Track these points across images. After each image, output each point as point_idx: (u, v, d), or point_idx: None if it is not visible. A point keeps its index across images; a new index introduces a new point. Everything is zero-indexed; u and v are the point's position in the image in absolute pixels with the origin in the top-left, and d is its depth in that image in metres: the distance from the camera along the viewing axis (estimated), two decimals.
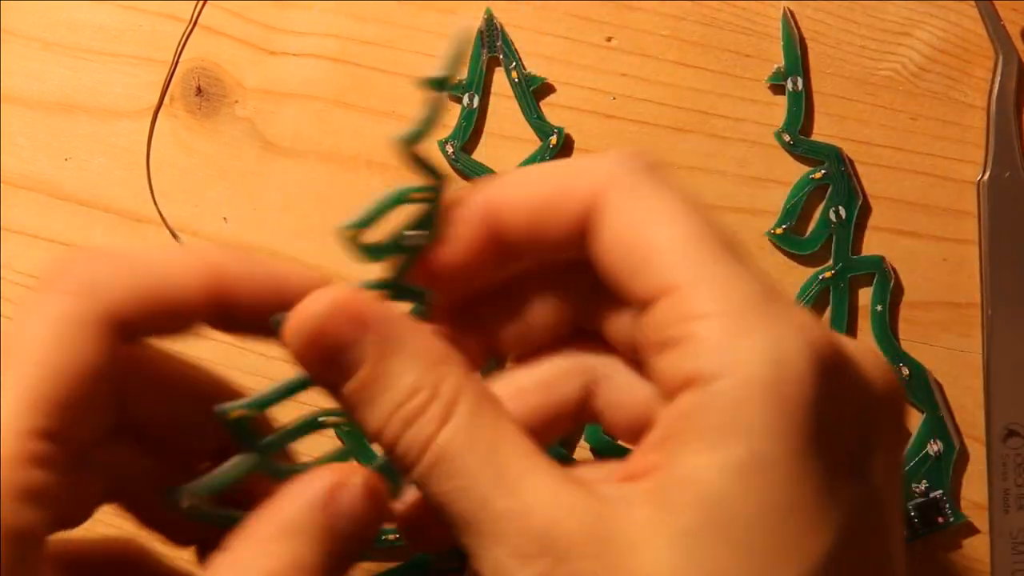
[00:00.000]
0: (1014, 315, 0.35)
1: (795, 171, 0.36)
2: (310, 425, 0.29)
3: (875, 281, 0.36)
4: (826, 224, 0.36)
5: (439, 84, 0.26)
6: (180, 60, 0.36)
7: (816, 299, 0.36)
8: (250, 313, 0.26)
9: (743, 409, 0.20)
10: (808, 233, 0.36)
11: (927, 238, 0.36)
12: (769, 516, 0.20)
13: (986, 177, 0.36)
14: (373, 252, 0.28)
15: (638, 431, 0.24)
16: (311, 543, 0.25)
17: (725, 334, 0.21)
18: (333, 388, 0.23)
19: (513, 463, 0.22)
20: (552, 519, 0.21)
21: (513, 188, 0.25)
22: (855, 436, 0.22)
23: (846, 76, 0.37)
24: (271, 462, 0.28)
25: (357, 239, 0.28)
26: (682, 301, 0.22)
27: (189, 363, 0.29)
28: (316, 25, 0.36)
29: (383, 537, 0.35)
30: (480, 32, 0.36)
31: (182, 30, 0.36)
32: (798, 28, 0.37)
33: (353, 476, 0.26)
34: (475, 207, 0.25)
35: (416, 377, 0.23)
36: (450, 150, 0.36)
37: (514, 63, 0.36)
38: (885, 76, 0.37)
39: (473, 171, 0.36)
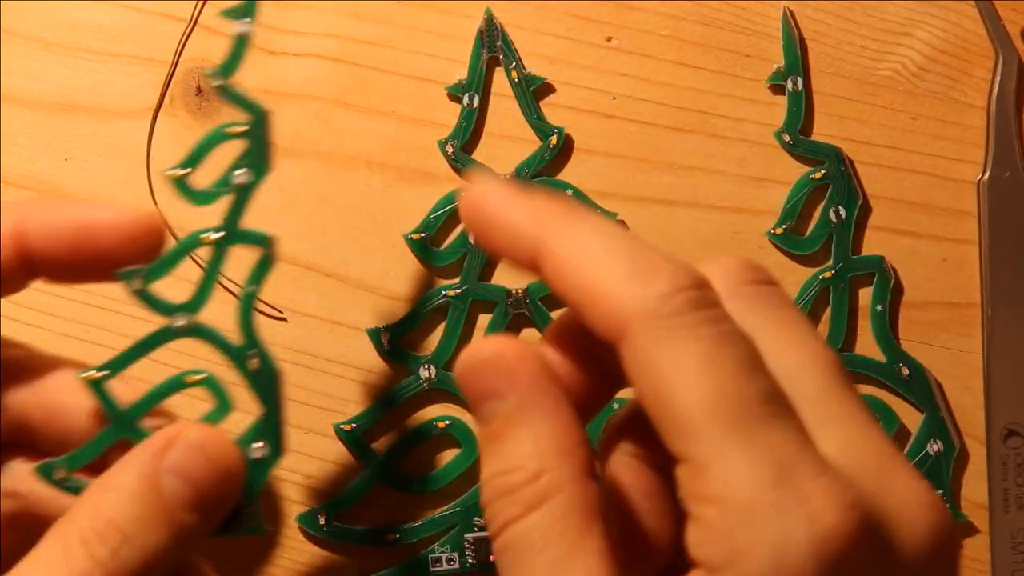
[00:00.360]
0: (1014, 315, 0.35)
1: (795, 171, 0.36)
2: (174, 386, 0.29)
3: (875, 281, 0.36)
4: (826, 224, 0.36)
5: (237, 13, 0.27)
6: (180, 60, 0.36)
7: (816, 299, 0.36)
8: (65, 257, 0.27)
9: None
10: (808, 233, 0.36)
11: (927, 238, 0.36)
12: None
13: (986, 177, 0.36)
14: (203, 196, 0.28)
15: None
16: (138, 501, 0.25)
17: (729, 525, 0.20)
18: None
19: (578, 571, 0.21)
20: None
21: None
22: None
23: (846, 76, 0.37)
24: (137, 428, 0.29)
25: (184, 182, 0.28)
26: (694, 477, 0.21)
27: (55, 356, 0.30)
28: (316, 25, 0.36)
29: (382, 538, 0.35)
30: (480, 32, 0.36)
31: (182, 30, 0.36)
32: (798, 28, 0.37)
33: (187, 433, 0.26)
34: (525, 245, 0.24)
35: (526, 454, 0.22)
36: (450, 150, 0.36)
37: (514, 63, 0.36)
38: (885, 76, 0.37)
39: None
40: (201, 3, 0.36)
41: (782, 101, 0.37)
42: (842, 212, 0.36)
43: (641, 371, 0.21)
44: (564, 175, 0.36)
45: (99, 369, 0.28)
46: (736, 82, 0.37)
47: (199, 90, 0.36)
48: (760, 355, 0.22)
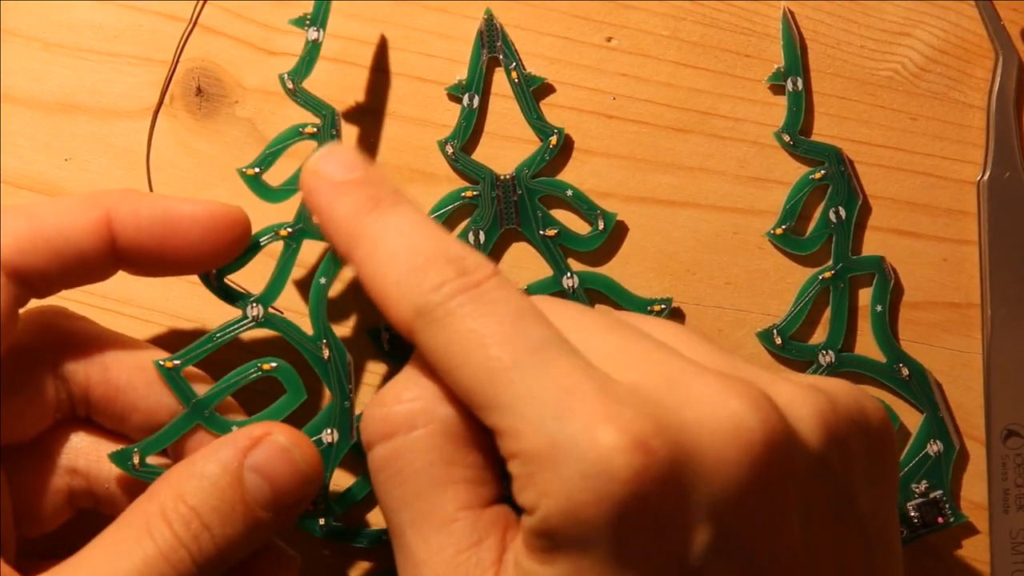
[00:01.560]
0: (1014, 315, 0.36)
1: (795, 171, 0.36)
2: (248, 373, 0.29)
3: (875, 281, 0.36)
4: (826, 224, 0.36)
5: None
6: (180, 60, 0.36)
7: (816, 299, 0.36)
8: (149, 249, 0.28)
9: (555, 533, 0.21)
10: (808, 233, 0.36)
11: (927, 238, 0.36)
12: None
13: (986, 177, 0.36)
14: (277, 194, 0.29)
15: None
16: (220, 493, 0.26)
17: (529, 473, 0.22)
18: None
19: (548, 353, 0.23)
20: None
21: None
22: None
23: (846, 76, 0.37)
24: (213, 415, 0.29)
25: (258, 179, 0.29)
26: (499, 439, 0.23)
27: (124, 336, 0.30)
28: None
29: (382, 538, 0.35)
30: (480, 32, 0.36)
31: (182, 30, 0.36)
32: (798, 28, 0.37)
33: (275, 434, 0.27)
34: None
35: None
36: (450, 150, 0.36)
37: (514, 63, 0.36)
38: (885, 76, 0.37)
39: (473, 171, 0.36)
40: (201, 3, 0.36)
41: (782, 101, 0.37)
42: (842, 212, 0.36)
43: (431, 360, 0.24)
44: (564, 175, 0.36)
45: (174, 357, 0.28)
46: (736, 82, 0.37)
47: (199, 90, 0.36)
48: (537, 309, 0.24)
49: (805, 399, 0.24)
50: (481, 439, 0.24)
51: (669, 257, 0.36)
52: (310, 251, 0.33)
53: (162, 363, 0.29)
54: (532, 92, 0.36)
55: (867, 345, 0.36)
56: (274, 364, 0.29)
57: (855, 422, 0.25)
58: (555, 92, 0.37)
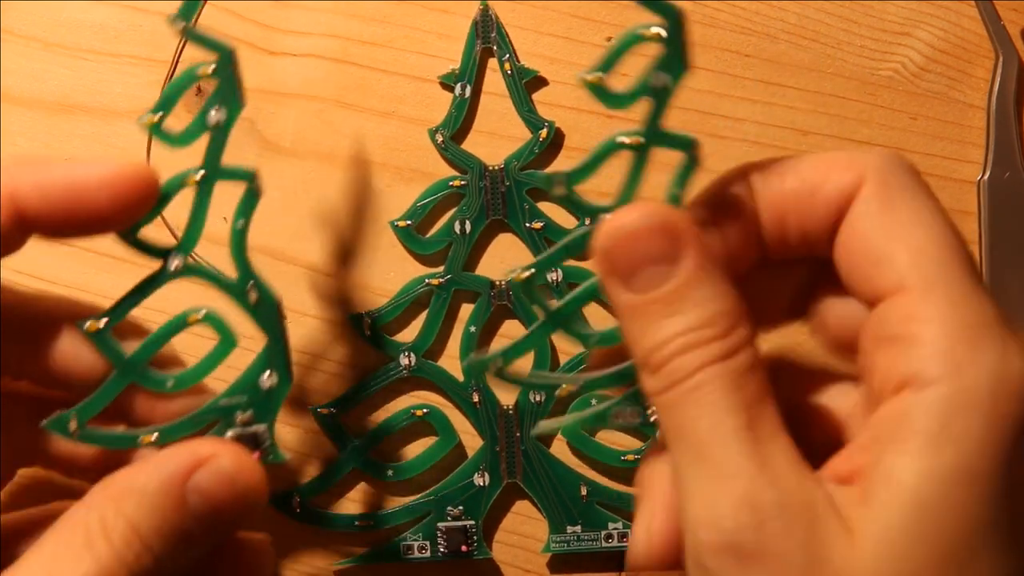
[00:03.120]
0: (1014, 315, 0.35)
1: None
2: (176, 326, 0.29)
3: (681, 163, 0.35)
4: (646, 88, 0.34)
5: None
6: (180, 60, 0.36)
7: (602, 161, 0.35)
8: (59, 215, 0.27)
9: (958, 418, 0.21)
10: (629, 91, 0.35)
11: None
12: (969, 529, 0.20)
13: (986, 177, 0.36)
14: (180, 138, 0.28)
15: (844, 347, 0.25)
16: (160, 513, 0.26)
17: (950, 341, 0.21)
18: (615, 295, 0.24)
19: (761, 424, 0.22)
20: (773, 487, 0.21)
21: (773, 175, 0.25)
22: None
23: (846, 76, 0.37)
24: (146, 372, 0.28)
25: (159, 127, 0.28)
26: (912, 302, 0.22)
27: (46, 294, 0.30)
28: (316, 25, 0.36)
29: (355, 523, 0.36)
30: (475, 23, 0.36)
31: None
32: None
33: (220, 457, 0.27)
34: (743, 190, 0.25)
35: (714, 312, 0.23)
36: (440, 138, 0.36)
37: (507, 55, 0.36)
38: (885, 76, 0.37)
39: (462, 161, 0.36)
40: (201, 3, 0.36)
41: (781, 100, 0.36)
42: (667, 79, 0.33)
43: (869, 224, 0.23)
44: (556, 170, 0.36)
45: (98, 318, 0.28)
46: (736, 82, 0.37)
47: (199, 90, 0.36)
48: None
49: None
50: None
51: None
52: (225, 195, 0.32)
53: (86, 326, 0.28)
54: (525, 85, 0.36)
55: None
56: (202, 313, 0.29)
57: None
58: (555, 91, 0.37)
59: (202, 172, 0.28)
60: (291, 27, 0.36)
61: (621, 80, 0.26)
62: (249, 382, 0.29)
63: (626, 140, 0.26)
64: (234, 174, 0.28)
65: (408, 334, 0.36)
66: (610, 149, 0.26)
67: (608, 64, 0.26)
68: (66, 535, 0.26)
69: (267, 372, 0.29)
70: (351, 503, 0.36)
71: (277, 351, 0.29)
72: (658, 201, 0.25)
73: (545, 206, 0.36)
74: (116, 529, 0.25)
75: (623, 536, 0.35)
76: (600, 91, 0.26)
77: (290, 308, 0.36)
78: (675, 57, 0.26)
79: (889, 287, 0.22)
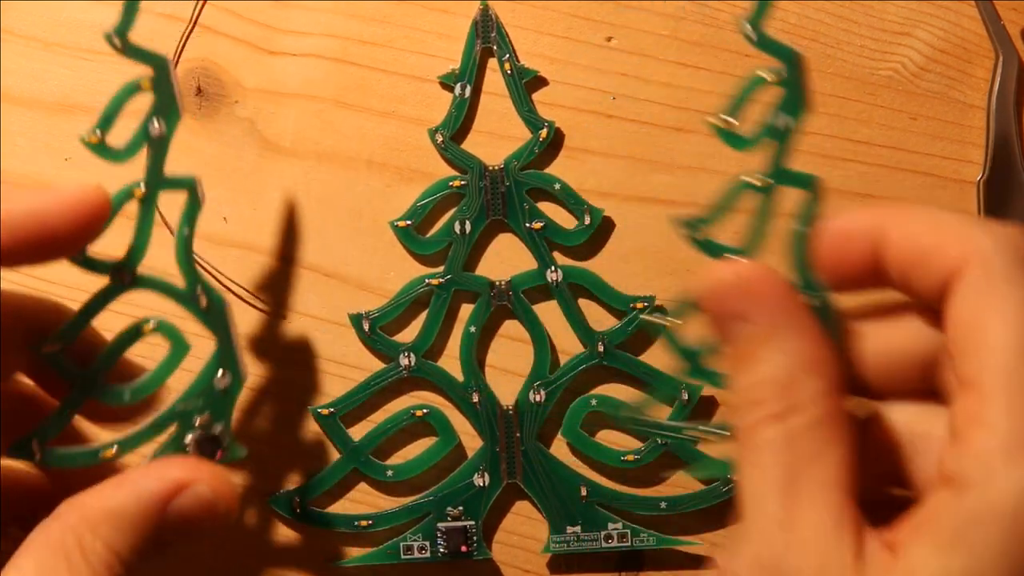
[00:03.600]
0: None
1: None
2: (130, 337, 0.29)
3: (804, 200, 0.35)
4: (769, 129, 0.35)
5: None
6: (180, 60, 0.36)
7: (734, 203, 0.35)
8: (19, 249, 0.27)
9: (980, 526, 0.21)
10: (750, 134, 0.35)
11: None
12: None
13: (986, 177, 0.36)
14: (121, 153, 0.29)
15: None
16: (138, 533, 0.26)
17: (998, 450, 0.21)
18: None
19: (806, 489, 0.23)
20: (792, 550, 0.22)
21: (903, 223, 0.25)
22: None
23: (846, 76, 0.37)
24: (104, 387, 0.29)
25: (102, 145, 0.29)
26: (977, 402, 0.22)
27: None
28: (316, 25, 0.36)
29: (355, 523, 0.36)
30: (475, 23, 0.36)
31: (182, 30, 0.36)
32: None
33: (199, 484, 0.28)
34: (863, 223, 0.25)
35: (773, 371, 0.24)
36: (440, 139, 0.36)
37: (507, 55, 0.36)
38: (885, 76, 0.37)
39: (462, 161, 0.36)
40: (201, 3, 0.36)
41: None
42: (788, 120, 0.34)
43: (965, 306, 0.23)
44: (565, 175, 0.36)
45: (52, 341, 0.28)
46: (736, 82, 0.37)
47: (199, 90, 0.36)
48: None
49: None
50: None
51: (668, 256, 0.36)
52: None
53: (44, 350, 0.28)
54: (525, 85, 0.36)
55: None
56: (153, 323, 0.29)
57: None
58: (555, 91, 0.37)
59: (144, 185, 0.29)
60: (291, 27, 0.36)
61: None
62: (204, 384, 0.29)
63: (753, 181, 0.28)
64: (177, 183, 0.29)
65: (408, 334, 0.36)
66: (738, 190, 0.28)
67: (734, 109, 0.28)
68: (47, 559, 0.26)
69: (220, 372, 0.29)
70: (351, 503, 0.36)
71: (228, 352, 0.29)
72: (776, 249, 0.26)
73: (545, 206, 0.36)
74: (95, 552, 0.26)
75: (623, 536, 0.35)
76: (727, 134, 0.28)
77: (292, 308, 0.36)
78: (795, 98, 0.27)
79: (965, 377, 0.23)
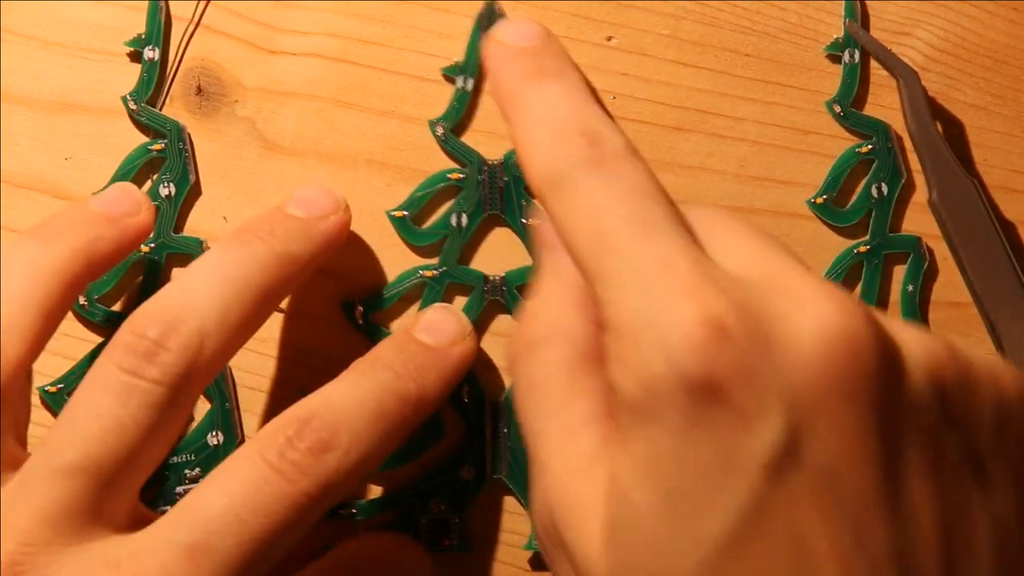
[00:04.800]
0: (1015, 315, 0.35)
1: (796, 171, 0.36)
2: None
3: (909, 261, 0.36)
4: (867, 199, 0.35)
5: None
6: (180, 60, 0.36)
7: (848, 272, 0.36)
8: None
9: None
10: (848, 206, 0.36)
11: (927, 238, 0.36)
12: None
13: (935, 196, 0.35)
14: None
15: None
16: None
17: (618, 349, 0.22)
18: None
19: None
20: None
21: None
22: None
23: None
24: None
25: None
26: (601, 311, 0.23)
27: None
28: (316, 25, 0.36)
29: (338, 512, 0.35)
30: (480, 16, 0.36)
31: (182, 30, 0.36)
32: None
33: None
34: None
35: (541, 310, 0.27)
36: (440, 131, 0.36)
37: None
38: (885, 76, 0.37)
39: (462, 154, 0.36)
40: (203, 4, 0.36)
41: (781, 100, 0.37)
42: (884, 188, 0.35)
43: (555, 228, 0.25)
44: None
45: (55, 383, 0.29)
46: (736, 81, 0.37)
47: (199, 89, 0.36)
48: (660, 188, 0.25)
49: (922, 341, 0.22)
50: None
51: None
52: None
53: (46, 390, 0.29)
54: None
55: None
56: None
57: (984, 386, 0.22)
58: None
59: (152, 245, 0.30)
60: (291, 26, 0.36)
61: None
62: (197, 441, 0.30)
63: (859, 249, 0.32)
64: (186, 245, 0.30)
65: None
66: (846, 258, 0.32)
67: (832, 186, 0.31)
68: None
69: (213, 431, 0.30)
70: None
71: (224, 411, 0.30)
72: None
73: None
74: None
75: None
76: (828, 210, 0.31)
77: (292, 308, 0.36)
78: (889, 168, 0.28)
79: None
